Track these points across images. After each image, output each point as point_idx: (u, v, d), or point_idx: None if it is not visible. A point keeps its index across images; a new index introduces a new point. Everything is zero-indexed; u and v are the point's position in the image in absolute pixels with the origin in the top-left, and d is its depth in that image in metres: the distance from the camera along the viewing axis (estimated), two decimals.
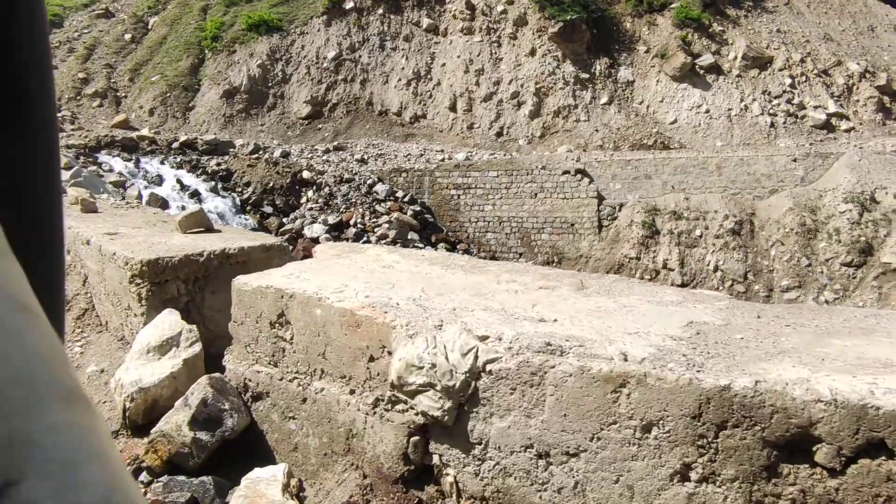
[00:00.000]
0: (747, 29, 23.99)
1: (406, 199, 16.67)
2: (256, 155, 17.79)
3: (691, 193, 15.50)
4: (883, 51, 24.27)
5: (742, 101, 21.86)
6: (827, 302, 13.32)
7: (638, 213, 15.35)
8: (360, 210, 15.56)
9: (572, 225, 16.10)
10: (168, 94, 23.97)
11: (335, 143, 22.47)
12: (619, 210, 15.85)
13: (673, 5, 24.45)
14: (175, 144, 19.79)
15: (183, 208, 13.89)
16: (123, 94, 24.38)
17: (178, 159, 16.47)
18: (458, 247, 16.42)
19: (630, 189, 15.97)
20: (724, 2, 24.77)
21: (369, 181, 16.93)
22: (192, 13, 28.42)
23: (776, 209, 14.62)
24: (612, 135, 22.56)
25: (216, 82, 24.83)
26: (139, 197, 13.00)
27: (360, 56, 26.00)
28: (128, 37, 27.12)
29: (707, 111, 21.92)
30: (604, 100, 23.61)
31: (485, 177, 16.79)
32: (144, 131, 20.86)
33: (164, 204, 13.78)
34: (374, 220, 15.66)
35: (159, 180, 14.78)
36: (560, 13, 23.98)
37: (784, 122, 21.26)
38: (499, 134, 23.74)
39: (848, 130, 20.96)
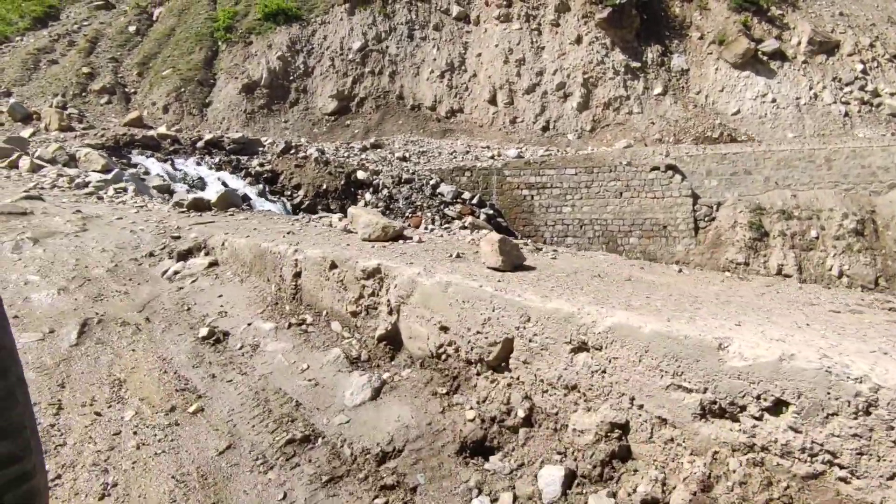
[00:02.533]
0: (808, 13, 22.44)
1: (475, 202, 14.80)
2: (304, 155, 15.78)
3: (798, 190, 13.83)
4: None
5: (811, 88, 20.28)
6: None
7: (741, 213, 13.65)
8: (429, 214, 13.66)
9: (664, 227, 14.35)
10: (182, 90, 21.86)
11: (371, 141, 20.52)
12: (717, 210, 14.13)
13: None
14: (200, 143, 17.76)
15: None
16: (133, 90, 22.22)
17: (218, 160, 14.47)
18: None
19: (728, 186, 14.26)
20: None
21: (432, 181, 15.02)
22: (200, 2, 26.29)
23: None
24: (670, 127, 20.87)
25: (233, 76, 22.77)
26: (162, 199, 10.96)
27: (387, 47, 24.08)
28: (132, 29, 24.92)
29: (773, 100, 20.31)
30: (657, 90, 21.92)
31: (561, 175, 14.96)
32: (162, 129, 18.75)
33: None
34: (446, 224, 13.77)
35: (202, 184, 12.76)
36: None
37: (859, 111, 19.71)
38: (545, 128, 21.96)
39: None
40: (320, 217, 8.70)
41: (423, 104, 23.08)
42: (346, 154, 19.04)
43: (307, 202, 13.68)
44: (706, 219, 14.17)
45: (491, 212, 14.69)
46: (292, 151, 18.77)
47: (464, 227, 13.89)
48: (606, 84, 22.19)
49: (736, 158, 14.23)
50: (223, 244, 5.52)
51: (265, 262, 4.83)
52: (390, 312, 3.58)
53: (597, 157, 14.95)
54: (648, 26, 22.93)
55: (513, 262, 3.85)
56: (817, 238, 13.15)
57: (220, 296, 4.74)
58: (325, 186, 14.05)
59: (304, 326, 4.03)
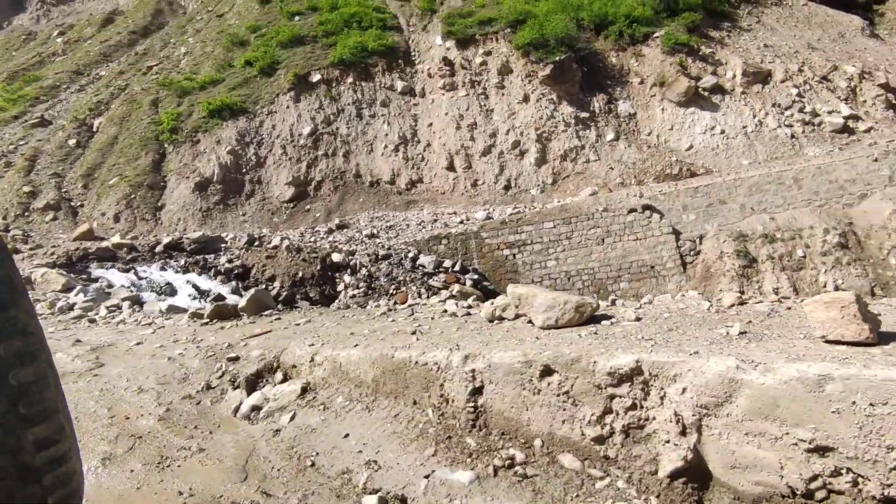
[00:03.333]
0: (736, 48, 23.59)
1: (457, 269, 14.34)
2: (273, 245, 15.15)
3: (775, 212, 13.93)
4: (865, 52, 24.32)
5: (755, 116, 21.02)
6: None
7: (725, 243, 13.59)
8: (414, 288, 13.11)
9: (652, 267, 14.15)
10: (132, 196, 21.11)
11: (336, 222, 20.07)
12: (701, 242, 14.06)
13: (655, 35, 23.88)
14: (158, 248, 16.95)
15: None
16: (79, 203, 21.34)
17: (183, 262, 13.69)
18: None
19: (706, 218, 14.27)
20: (705, 25, 24.44)
21: (410, 254, 14.55)
22: (141, 108, 25.91)
23: (875, 214, 13.17)
24: (629, 170, 21.17)
25: (184, 176, 22.19)
26: (163, 313, 10.18)
27: (337, 128, 24.04)
28: (72, 142, 24.25)
29: (722, 132, 20.93)
30: (610, 136, 22.36)
31: (540, 229, 14.73)
32: (116, 238, 17.89)
33: None
34: (435, 296, 13.22)
35: (171, 289, 11.94)
36: (547, 55, 22.91)
37: (803, 132, 20.45)
38: (507, 187, 21.98)
39: (867, 131, 20.32)
40: (424, 303, 7.99)
41: (381, 179, 22.89)
42: (312, 239, 18.49)
43: (284, 293, 12.96)
44: (692, 253, 14.06)
45: (476, 276, 14.25)
46: (257, 244, 18.10)
47: (452, 297, 13.37)
48: (560, 137, 22.53)
49: (709, 190, 14.31)
50: (312, 360, 4.35)
51: (405, 379, 3.70)
52: (683, 432, 2.57)
53: (572, 208, 14.83)
54: (589, 77, 23.63)
55: (875, 331, 2.78)
56: (804, 257, 13.14)
57: (347, 435, 3.50)
58: (300, 274, 13.39)
59: (517, 468, 2.93)
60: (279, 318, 7.59)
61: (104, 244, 17.11)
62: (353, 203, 22.28)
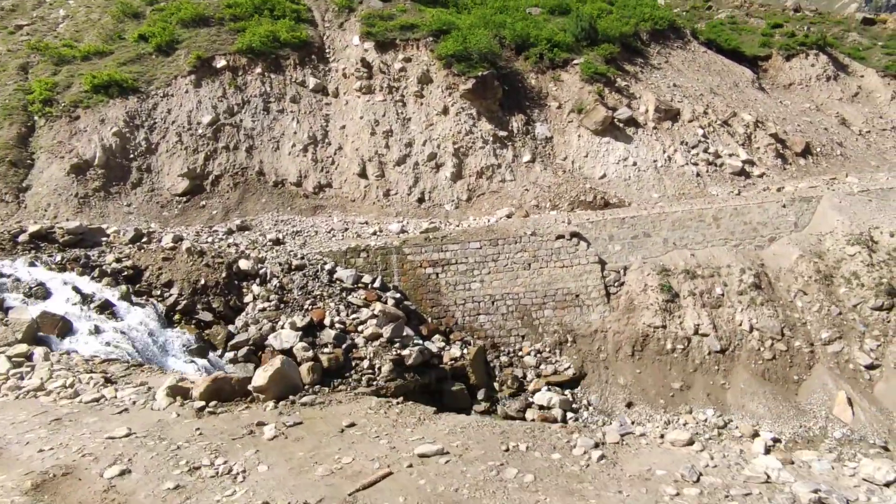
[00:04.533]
0: (648, 84, 24.45)
1: (377, 286, 13.29)
2: (172, 245, 13.32)
3: (695, 249, 14.20)
4: (756, 103, 26.12)
5: (664, 152, 21.78)
6: (871, 350, 12.47)
7: (650, 276, 13.63)
8: (332, 304, 11.94)
9: (577, 296, 13.91)
10: None
11: (237, 223, 18.32)
12: (625, 274, 14.02)
13: (575, 62, 24.24)
14: (23, 237, 14.51)
15: (96, 331, 9.44)
16: None
17: (60, 258, 11.64)
18: (450, 337, 13.32)
19: (631, 250, 14.27)
20: (621, 59, 25.16)
21: (327, 266, 13.32)
22: (6, 72, 22.56)
23: (784, 258, 13.76)
24: (544, 193, 21.15)
25: (58, 155, 19.43)
26: (33, 323, 8.43)
27: (241, 120, 22.17)
28: None
29: (634, 164, 21.49)
30: (526, 157, 22.30)
31: (466, 249, 14.07)
32: None
33: (67, 327, 9.17)
34: (354, 315, 12.08)
35: (44, 291, 9.99)
36: (470, 69, 22.52)
37: (707, 171, 21.45)
38: (420, 200, 21.22)
39: (760, 175, 21.67)
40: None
41: (287, 180, 21.32)
42: (210, 239, 16.68)
43: (183, 302, 11.32)
44: (616, 284, 13.99)
45: (398, 295, 13.29)
46: (145, 240, 16.03)
47: (373, 316, 12.31)
48: (477, 153, 22.14)
49: (634, 222, 14.35)
50: None
51: None
52: None
53: (499, 229, 14.33)
54: (510, 96, 23.50)
55: None
56: (723, 295, 13.45)
57: None
58: (202, 281, 11.81)
59: None
60: (314, 409, 5.57)
61: None
62: (254, 203, 20.54)
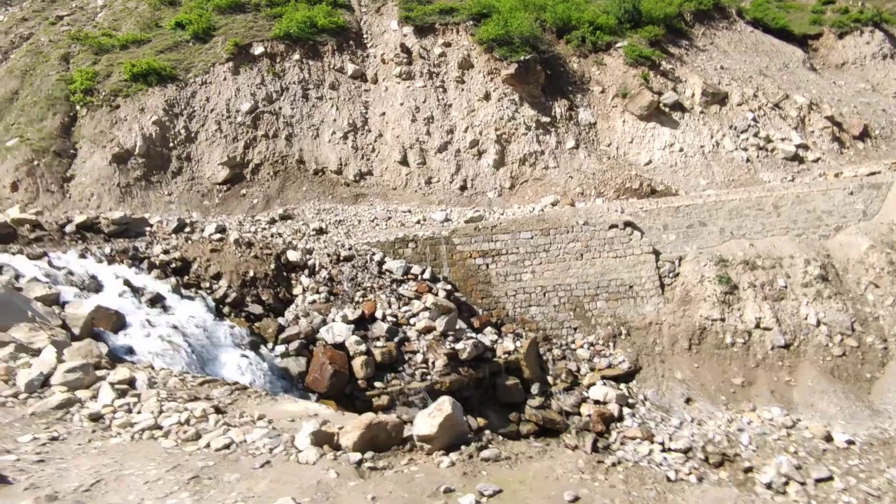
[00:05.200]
0: (695, 66, 23.62)
1: (426, 276, 13.01)
2: (221, 236, 13.20)
3: (753, 239, 13.62)
4: (809, 84, 25.09)
5: (712, 137, 21.04)
6: None
7: (707, 267, 13.11)
8: (383, 296, 11.68)
9: (630, 287, 13.47)
10: (35, 162, 18.23)
11: (279, 212, 18.17)
12: (680, 264, 13.52)
13: (618, 45, 23.51)
14: (69, 227, 14.53)
15: (149, 326, 9.29)
16: None
17: (109, 250, 11.57)
18: (502, 330, 13.01)
19: (685, 239, 13.75)
20: (665, 41, 24.35)
21: (376, 257, 13.07)
22: (48, 62, 22.65)
23: (852, 248, 13.11)
24: (589, 180, 20.62)
25: (100, 144, 19.46)
26: (90, 318, 8.30)
27: (280, 108, 21.98)
28: None
29: (681, 149, 20.79)
30: (570, 144, 21.74)
31: (516, 239, 13.70)
32: (15, 212, 15.16)
33: (120, 321, 9.05)
34: (406, 308, 11.83)
35: (95, 284, 9.90)
36: (511, 54, 21.97)
37: (758, 157, 20.66)
38: (463, 187, 20.85)
39: (815, 160, 20.81)
40: None
41: (327, 168, 21.11)
42: (252, 229, 16.56)
43: (232, 295, 11.17)
44: (671, 275, 13.51)
45: (448, 287, 13.00)
46: (188, 230, 15.97)
47: (425, 309, 12.04)
48: (520, 139, 21.66)
49: (689, 211, 13.82)
50: None
51: None
52: None
53: (551, 218, 13.91)
54: (552, 81, 22.93)
55: None
56: (786, 287, 12.88)
57: None
58: (251, 273, 11.64)
59: None
60: (503, 468, 4.62)
61: (2, 219, 14.46)
62: (294, 191, 20.38)
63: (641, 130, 21.49)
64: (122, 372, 5.80)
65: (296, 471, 4.47)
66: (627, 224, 13.77)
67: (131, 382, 5.85)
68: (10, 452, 4.50)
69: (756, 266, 13.06)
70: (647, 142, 21.23)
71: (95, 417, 5.24)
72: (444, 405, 4.88)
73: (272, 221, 17.37)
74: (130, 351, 8.41)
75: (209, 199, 19.64)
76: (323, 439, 4.81)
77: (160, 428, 5.12)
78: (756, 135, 21.30)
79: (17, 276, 9.34)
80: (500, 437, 5.60)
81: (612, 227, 13.76)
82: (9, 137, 19.03)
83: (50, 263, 10.32)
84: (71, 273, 10.11)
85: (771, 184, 18.26)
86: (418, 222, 17.50)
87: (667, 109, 21.60)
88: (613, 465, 4.55)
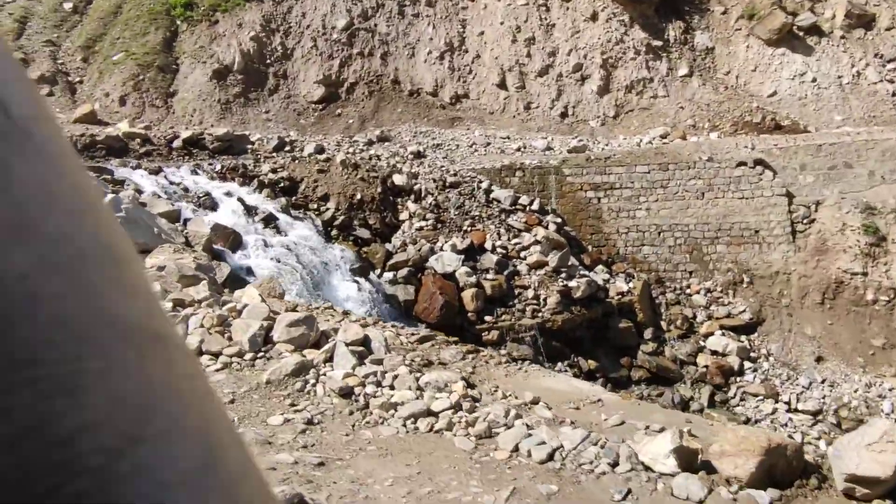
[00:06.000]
0: None
1: (535, 208, 12.34)
2: (326, 156, 12.90)
3: None
4: None
5: (853, 66, 18.77)
6: None
7: (850, 214, 11.79)
8: (492, 227, 11.14)
9: (756, 232, 12.37)
10: (141, 77, 18.35)
11: (377, 133, 17.70)
12: (817, 209, 12.24)
13: None
14: (176, 142, 14.63)
15: (264, 245, 9.09)
16: (78, 79, 18.53)
17: (220, 167, 11.47)
18: (612, 269, 12.31)
19: (826, 182, 12.39)
20: None
21: (483, 185, 12.47)
22: None
23: None
24: (702, 112, 18.99)
25: (200, 60, 19.37)
26: (211, 236, 8.14)
27: (375, 25, 21.13)
28: (68, 6, 20.94)
29: (814, 80, 18.70)
30: (682, 71, 19.99)
31: (632, 173, 12.74)
32: (124, 125, 15.36)
33: (237, 240, 8.92)
34: (516, 240, 11.28)
35: (211, 201, 9.79)
36: None
37: None
38: (563, 114, 19.68)
39: None
40: None
41: (422, 89, 20.35)
42: (350, 150, 16.18)
43: (340, 217, 10.90)
44: (804, 221, 12.27)
45: (558, 220, 12.31)
46: (287, 148, 15.81)
47: (536, 242, 11.45)
48: (627, 65, 20.09)
49: (833, 150, 12.36)
50: None
51: None
52: None
53: (671, 152, 12.81)
54: (667, 1, 20.93)
55: None
56: None
57: None
58: (358, 196, 11.31)
59: None
60: None
61: (111, 131, 14.66)
62: (389, 112, 19.81)
63: (768, 57, 19.43)
64: (353, 330, 4.82)
65: None
66: (758, 162, 12.48)
67: (365, 342, 4.93)
68: (271, 444, 3.68)
69: None
70: (774, 70, 19.21)
71: (345, 393, 4.40)
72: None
73: (370, 143, 16.95)
74: (249, 271, 8.29)
75: (305, 118, 19.40)
76: (687, 458, 3.73)
77: (434, 416, 4.18)
78: None
79: (139, 191, 9.32)
80: None
81: (739, 164, 12.51)
82: (114, 52, 19.19)
83: (166, 178, 10.28)
84: (186, 189, 10.05)
85: None
86: (518, 149, 16.66)
87: (801, 33, 19.35)
88: None
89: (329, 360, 4.55)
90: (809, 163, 12.46)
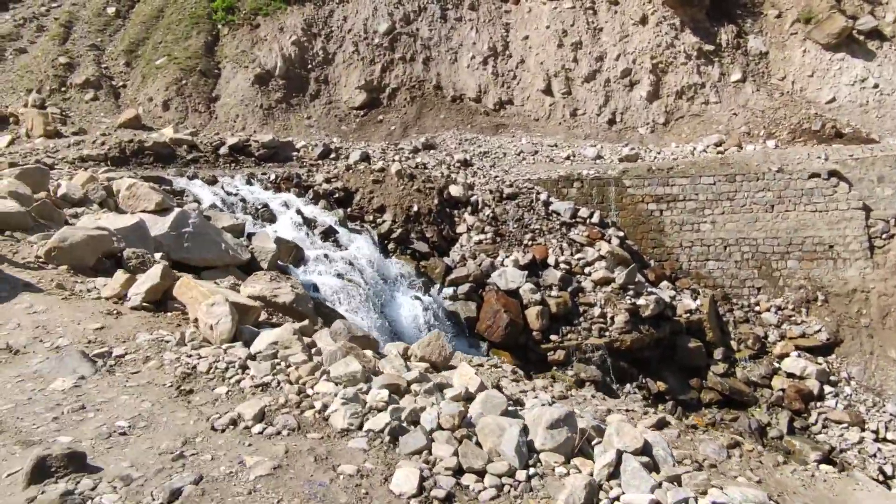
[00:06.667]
0: None
1: (595, 220, 11.84)
2: (380, 167, 12.54)
3: None
4: None
5: None
6: None
7: None
8: (553, 241, 10.67)
9: (830, 247, 11.75)
10: (183, 81, 18.21)
11: (422, 140, 17.31)
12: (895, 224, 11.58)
13: None
14: (223, 149, 14.41)
15: (326, 260, 8.73)
16: (121, 83, 18.44)
17: (274, 177, 11.17)
18: (676, 284, 11.77)
19: None
20: None
21: (542, 197, 12.00)
22: None
23: None
24: (757, 119, 18.31)
25: (242, 65, 19.19)
26: (276, 252, 7.77)
27: (417, 29, 20.80)
28: (111, 10, 20.94)
29: (876, 86, 17.93)
30: (735, 76, 19.33)
31: (696, 185, 12.19)
32: (170, 131, 15.19)
33: (300, 255, 8.56)
34: (579, 255, 10.80)
35: (270, 214, 9.46)
36: None
37: None
38: (611, 121, 19.14)
39: None
40: None
41: (465, 95, 19.95)
42: (395, 157, 15.82)
43: (398, 230, 10.51)
44: (884, 236, 11.62)
45: (620, 234, 11.79)
46: (333, 156, 15.51)
47: (600, 258, 10.95)
48: (678, 70, 19.49)
49: None
50: None
51: None
52: None
53: (737, 162, 12.22)
54: (718, 4, 20.29)
55: None
56: None
57: None
58: (415, 208, 10.92)
59: None
60: None
61: (156, 136, 14.45)
62: (432, 119, 19.44)
63: (826, 62, 18.70)
64: (628, 432, 3.42)
65: None
66: (832, 173, 11.86)
67: (645, 449, 3.61)
68: None
69: None
70: (833, 76, 18.47)
71: None
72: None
73: (415, 150, 16.58)
74: (315, 288, 7.92)
75: (346, 124, 19.11)
76: None
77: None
78: None
79: (196, 200, 9.02)
80: None
81: (812, 175, 11.90)
82: (157, 56, 19.10)
83: (223, 189, 9.99)
84: (244, 200, 9.74)
85: None
86: (568, 158, 16.16)
87: (861, 37, 18.60)
88: None
89: (613, 475, 3.23)
90: (888, 175, 11.81)
